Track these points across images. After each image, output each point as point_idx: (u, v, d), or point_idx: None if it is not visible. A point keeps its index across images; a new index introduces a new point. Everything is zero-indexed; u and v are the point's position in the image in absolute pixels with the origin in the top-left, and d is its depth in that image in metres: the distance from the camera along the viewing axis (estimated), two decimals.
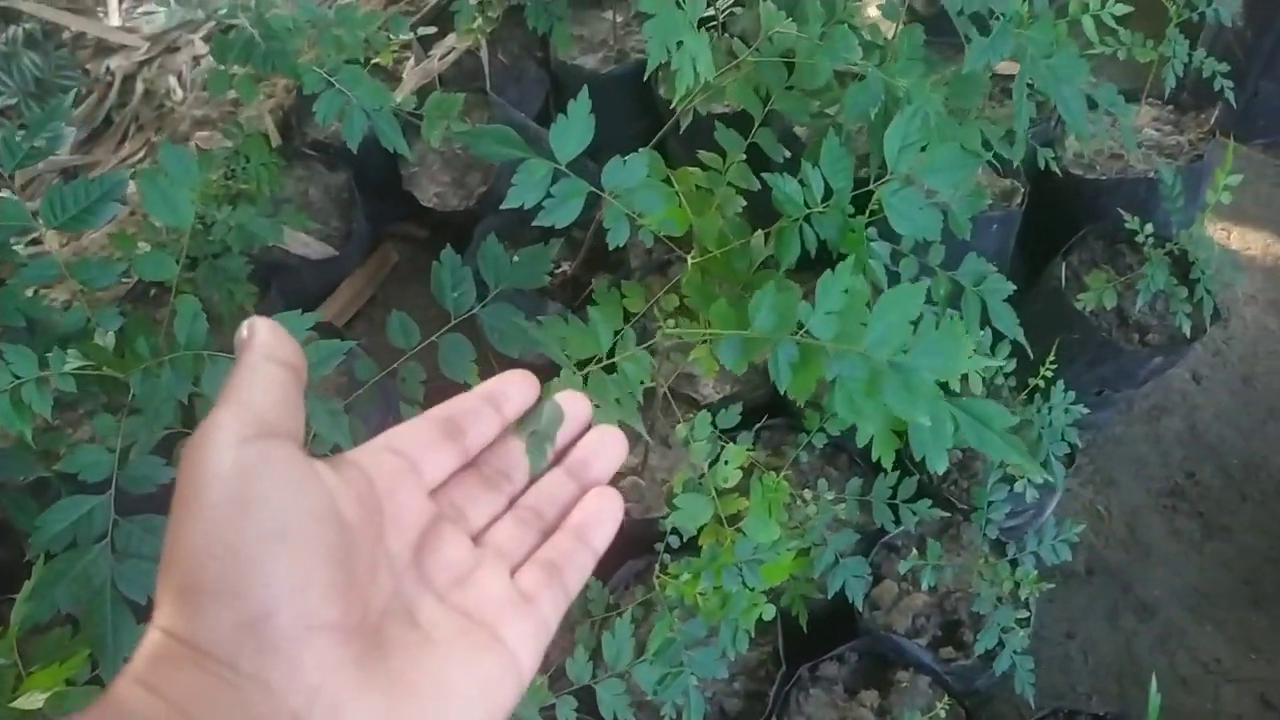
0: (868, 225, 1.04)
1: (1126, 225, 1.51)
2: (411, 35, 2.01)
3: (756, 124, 1.19)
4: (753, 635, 1.11)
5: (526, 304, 1.27)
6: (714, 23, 1.36)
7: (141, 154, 2.23)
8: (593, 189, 0.97)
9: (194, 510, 0.33)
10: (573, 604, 0.42)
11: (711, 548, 1.02)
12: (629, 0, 1.92)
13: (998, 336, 1.20)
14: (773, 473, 1.08)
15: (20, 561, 0.92)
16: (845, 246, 1.03)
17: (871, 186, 1.02)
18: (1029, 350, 1.22)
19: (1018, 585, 1.19)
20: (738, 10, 1.44)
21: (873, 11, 1.57)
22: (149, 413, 0.95)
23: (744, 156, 1.18)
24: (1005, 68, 1.23)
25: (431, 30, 2.06)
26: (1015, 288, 1.12)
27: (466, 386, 1.01)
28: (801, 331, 0.80)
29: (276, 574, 0.32)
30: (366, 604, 0.35)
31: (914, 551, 1.27)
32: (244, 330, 0.37)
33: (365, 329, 2.00)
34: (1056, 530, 1.21)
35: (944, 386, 0.77)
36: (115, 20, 2.49)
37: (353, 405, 1.20)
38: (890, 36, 1.24)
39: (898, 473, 1.25)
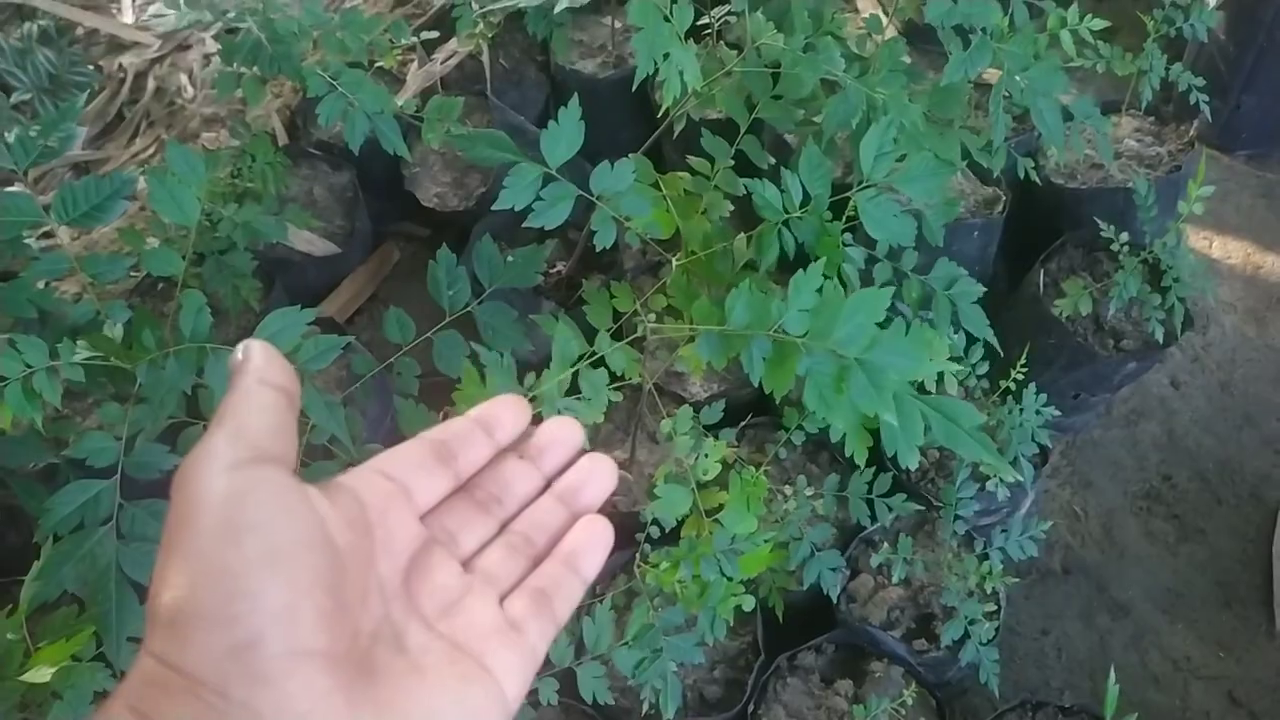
0: (844, 230, 1.09)
1: (1103, 234, 1.55)
2: (415, 39, 2.06)
3: (742, 131, 1.23)
4: (732, 625, 1.15)
5: (521, 302, 1.31)
6: (709, 30, 1.39)
7: (152, 150, 2.26)
8: (582, 192, 1.01)
9: (186, 535, 0.33)
10: None
11: (690, 538, 1.07)
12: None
13: (973, 339, 1.24)
14: (753, 468, 1.12)
15: (30, 544, 0.95)
16: (821, 250, 1.07)
17: (849, 194, 1.07)
18: (1000, 351, 1.26)
19: (983, 580, 1.24)
20: (732, 19, 1.48)
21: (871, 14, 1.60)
22: (154, 402, 0.98)
23: (731, 162, 1.22)
24: (992, 77, 1.26)
25: (434, 34, 2.10)
26: (985, 290, 1.16)
27: (459, 381, 1.05)
28: (776, 328, 0.85)
29: (267, 600, 0.32)
30: (356, 629, 0.35)
31: (886, 546, 1.32)
32: (239, 353, 0.38)
33: (367, 324, 2.05)
34: (1024, 527, 1.25)
35: (920, 386, 0.82)
36: (128, 18, 2.52)
37: (350, 398, 1.25)
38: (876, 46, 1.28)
39: (874, 469, 1.29)
